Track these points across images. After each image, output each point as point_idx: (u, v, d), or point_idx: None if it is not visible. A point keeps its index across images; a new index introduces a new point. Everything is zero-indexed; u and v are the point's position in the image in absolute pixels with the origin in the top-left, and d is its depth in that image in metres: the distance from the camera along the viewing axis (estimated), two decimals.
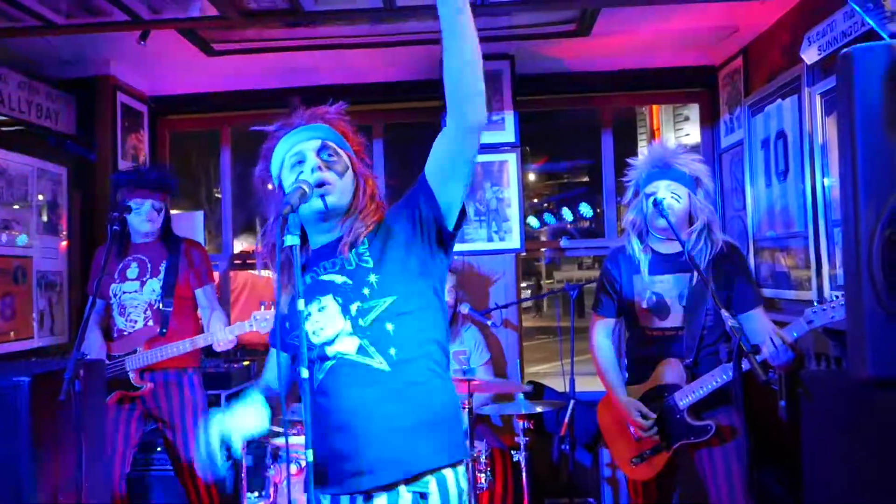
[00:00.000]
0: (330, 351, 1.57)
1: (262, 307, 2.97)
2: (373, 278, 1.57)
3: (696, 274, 2.49)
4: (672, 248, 2.56)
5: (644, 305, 2.58)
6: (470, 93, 1.54)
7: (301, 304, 1.45)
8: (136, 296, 3.07)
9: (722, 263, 2.50)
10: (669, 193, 2.49)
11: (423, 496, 1.53)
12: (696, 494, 2.68)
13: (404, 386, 1.55)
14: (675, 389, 2.49)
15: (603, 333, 2.70)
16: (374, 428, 1.53)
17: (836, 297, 2.27)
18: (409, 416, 1.54)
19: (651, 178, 2.54)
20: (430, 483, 1.53)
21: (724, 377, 2.38)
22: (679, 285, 2.54)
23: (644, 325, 2.60)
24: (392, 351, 1.55)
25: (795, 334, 2.25)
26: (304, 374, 1.47)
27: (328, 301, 1.59)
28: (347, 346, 1.56)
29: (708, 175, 2.58)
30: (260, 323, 2.93)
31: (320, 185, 1.57)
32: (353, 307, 1.56)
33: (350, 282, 1.58)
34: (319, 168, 1.59)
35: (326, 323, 1.57)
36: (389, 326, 1.55)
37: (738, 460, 2.45)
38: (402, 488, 1.52)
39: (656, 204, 2.45)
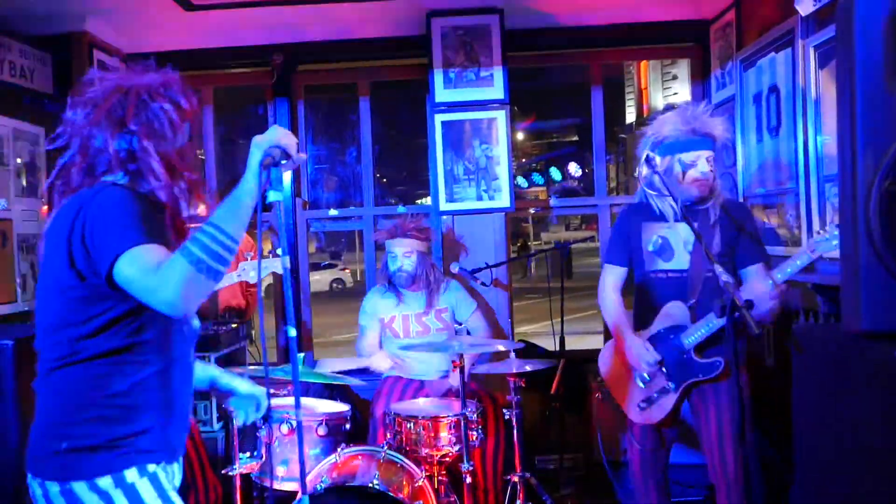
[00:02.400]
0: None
1: (248, 258, 2.95)
2: None
3: (701, 222, 2.55)
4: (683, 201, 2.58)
5: (650, 248, 2.64)
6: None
7: (287, 261, 1.42)
8: None
9: (729, 220, 2.57)
10: (710, 166, 2.54)
11: None
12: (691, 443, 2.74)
13: None
14: (681, 331, 2.55)
15: (611, 282, 2.77)
16: None
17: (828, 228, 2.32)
18: None
19: (691, 146, 2.54)
20: None
21: (706, 329, 2.46)
22: (685, 231, 2.57)
23: (648, 269, 2.66)
24: None
25: (799, 263, 2.32)
26: (292, 332, 1.45)
27: None
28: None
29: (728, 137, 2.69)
30: (248, 273, 2.93)
31: None
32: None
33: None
34: None
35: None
36: None
37: (728, 400, 2.52)
38: None
39: (696, 176, 2.51)
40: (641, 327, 2.68)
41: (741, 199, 3.51)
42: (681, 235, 2.60)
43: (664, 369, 2.57)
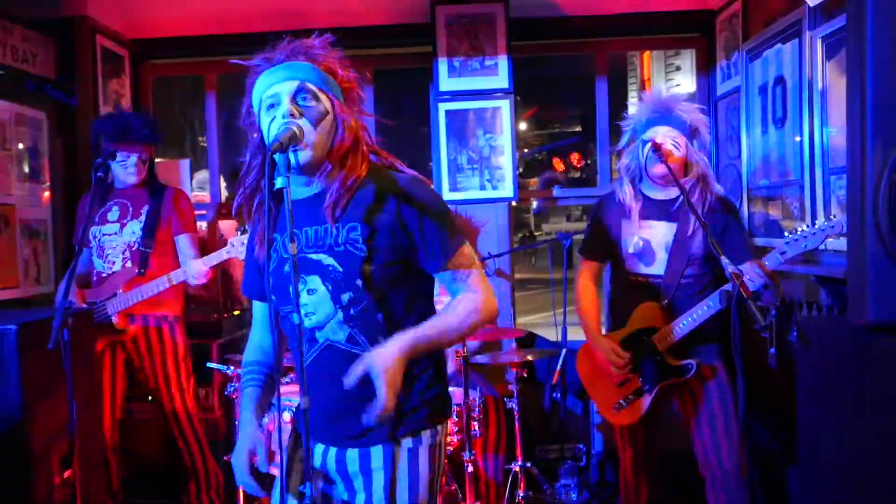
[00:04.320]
0: (319, 335, 1.56)
1: (239, 233, 2.93)
2: (367, 269, 1.50)
3: (682, 223, 2.51)
4: (665, 195, 2.58)
5: (630, 250, 2.59)
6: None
7: (293, 248, 1.39)
8: (114, 237, 3.05)
9: (715, 216, 2.52)
10: (669, 140, 2.49)
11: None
12: (681, 436, 2.72)
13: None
14: (654, 332, 2.52)
15: (588, 277, 2.73)
16: (358, 407, 1.52)
17: (807, 227, 2.27)
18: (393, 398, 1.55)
19: (650, 123, 2.53)
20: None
21: (699, 314, 2.43)
22: (668, 232, 2.54)
23: (628, 270, 2.62)
24: (381, 339, 1.53)
25: (769, 265, 2.29)
26: (296, 319, 1.44)
27: (317, 284, 1.53)
28: (337, 333, 1.54)
29: (706, 126, 2.59)
30: (238, 248, 2.90)
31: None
32: (345, 297, 1.51)
33: (340, 269, 1.51)
34: (292, 115, 1.47)
35: (316, 307, 1.54)
36: (380, 316, 1.53)
37: (718, 400, 2.51)
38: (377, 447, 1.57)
39: (655, 149, 2.43)
40: (615, 328, 2.66)
41: (745, 190, 3.50)
42: (661, 237, 2.55)
43: (638, 371, 2.56)
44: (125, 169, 3.04)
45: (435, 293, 3.43)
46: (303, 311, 1.53)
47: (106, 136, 3.01)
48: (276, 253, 1.59)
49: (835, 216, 2.24)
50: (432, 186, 1.60)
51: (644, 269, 2.58)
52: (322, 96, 1.52)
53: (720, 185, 2.63)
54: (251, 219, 1.61)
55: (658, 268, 2.56)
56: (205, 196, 4.81)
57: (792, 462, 2.88)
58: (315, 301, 1.54)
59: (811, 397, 1.85)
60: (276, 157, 1.39)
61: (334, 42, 1.57)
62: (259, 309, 1.74)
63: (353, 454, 1.58)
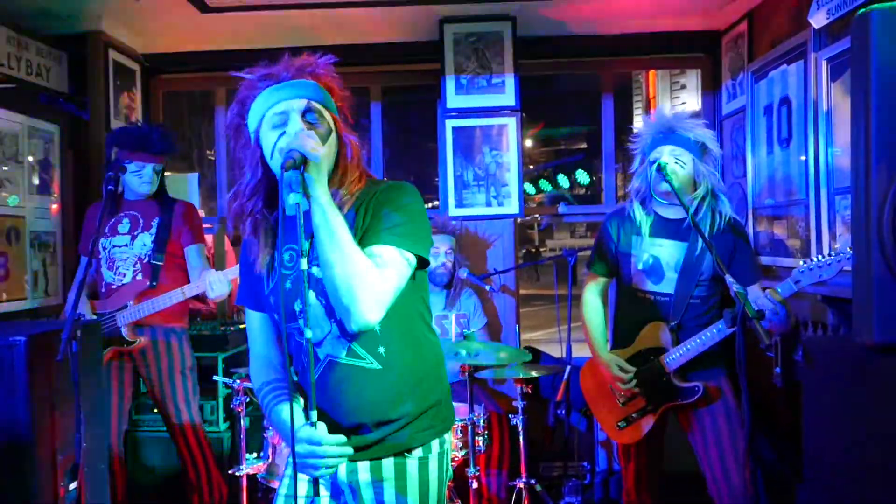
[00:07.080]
0: (319, 352, 1.56)
1: None
2: None
3: (692, 243, 2.51)
4: (675, 213, 2.58)
5: (640, 267, 2.60)
6: (341, 306, 1.45)
7: (304, 263, 1.41)
8: (125, 249, 3.06)
9: (725, 237, 2.52)
10: (673, 159, 2.51)
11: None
12: (685, 456, 2.71)
13: (396, 380, 1.57)
14: (661, 352, 2.53)
15: (594, 292, 2.75)
16: (367, 420, 1.57)
17: (823, 256, 2.24)
18: (400, 407, 1.57)
19: (655, 143, 2.56)
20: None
21: (709, 337, 2.43)
22: (677, 252, 2.55)
23: (636, 287, 2.62)
24: (381, 349, 1.55)
25: (781, 292, 2.26)
26: (308, 334, 1.45)
27: (312, 299, 1.54)
28: (336, 349, 1.55)
29: (714, 140, 2.59)
30: None
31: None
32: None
33: None
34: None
35: (313, 323, 1.54)
36: (376, 326, 1.52)
37: (725, 421, 2.50)
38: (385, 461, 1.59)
39: (659, 169, 2.45)
40: (622, 345, 2.66)
41: (750, 210, 3.51)
42: (670, 256, 2.56)
43: (643, 390, 2.55)
44: (139, 178, 3.03)
45: (437, 309, 3.44)
46: (297, 327, 1.56)
47: (123, 146, 3.01)
48: (276, 270, 1.58)
49: (851, 248, 2.22)
50: (416, 192, 1.58)
51: (651, 287, 2.59)
52: (326, 114, 1.55)
53: (730, 204, 2.62)
54: (253, 234, 1.60)
55: (666, 286, 2.56)
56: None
57: (798, 481, 2.86)
58: (311, 316, 1.54)
59: (816, 417, 1.85)
60: (288, 174, 1.39)
61: (337, 61, 1.58)
62: (256, 320, 1.69)
63: (364, 465, 1.60)
